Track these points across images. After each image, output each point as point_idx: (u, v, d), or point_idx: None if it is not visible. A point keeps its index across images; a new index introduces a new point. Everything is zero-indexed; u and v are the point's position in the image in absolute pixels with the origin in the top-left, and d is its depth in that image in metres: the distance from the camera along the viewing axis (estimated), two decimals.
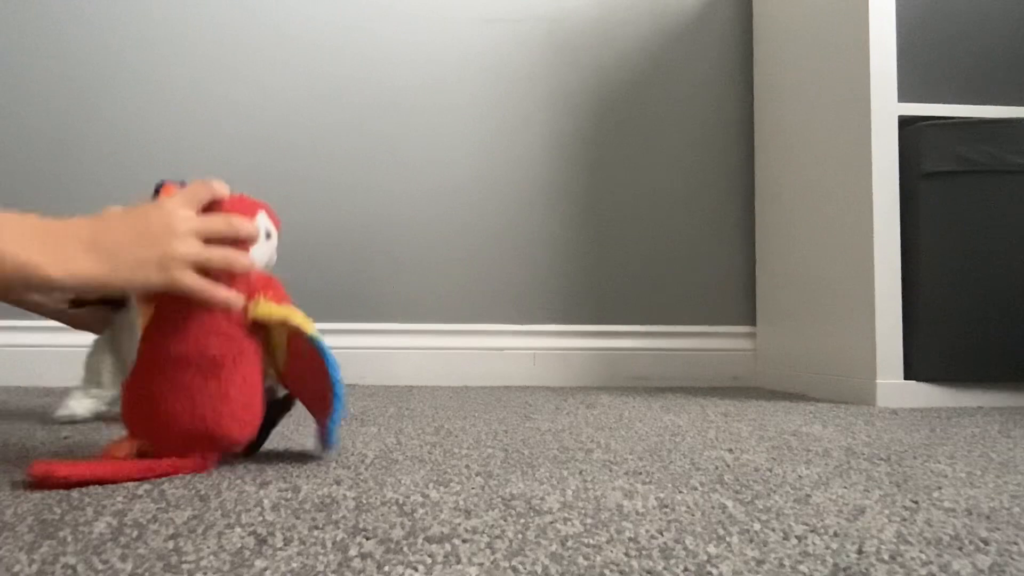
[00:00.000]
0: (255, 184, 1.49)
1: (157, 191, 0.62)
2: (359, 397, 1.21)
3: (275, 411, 0.66)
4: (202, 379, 0.57)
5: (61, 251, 0.52)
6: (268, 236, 0.63)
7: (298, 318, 0.60)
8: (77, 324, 0.69)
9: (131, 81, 1.50)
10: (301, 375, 0.65)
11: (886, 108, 1.16)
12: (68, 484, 0.53)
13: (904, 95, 1.17)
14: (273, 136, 1.51)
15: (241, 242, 0.60)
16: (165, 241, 0.55)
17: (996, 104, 1.18)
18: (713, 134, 1.59)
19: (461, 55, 1.56)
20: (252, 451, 0.66)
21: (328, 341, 0.61)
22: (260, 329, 0.62)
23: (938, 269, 1.14)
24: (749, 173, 1.59)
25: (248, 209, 0.62)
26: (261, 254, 0.62)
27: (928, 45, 1.18)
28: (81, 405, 0.87)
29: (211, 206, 0.60)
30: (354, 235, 1.52)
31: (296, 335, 0.61)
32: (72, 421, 0.86)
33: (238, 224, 0.59)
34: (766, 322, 1.52)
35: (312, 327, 0.61)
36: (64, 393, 0.92)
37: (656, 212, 1.57)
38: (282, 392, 0.66)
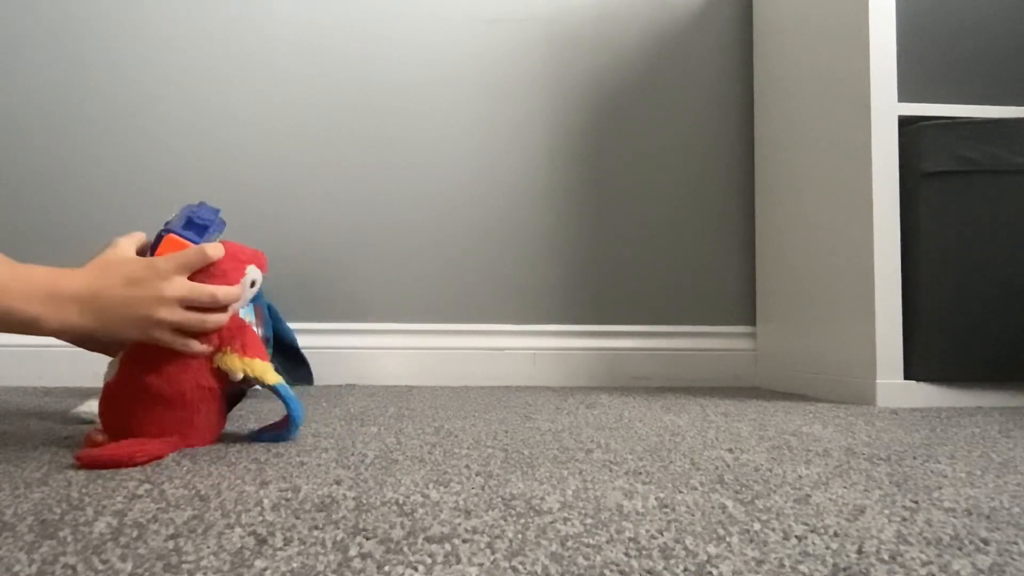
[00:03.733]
0: (254, 186, 1.50)
1: (159, 239, 0.71)
2: (359, 397, 1.21)
3: (235, 398, 0.77)
4: (171, 411, 0.68)
5: (61, 309, 0.63)
6: (252, 284, 0.73)
7: (257, 369, 0.70)
8: (93, 348, 0.74)
9: (127, 86, 1.50)
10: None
11: (886, 108, 1.16)
12: (112, 464, 0.61)
13: (904, 95, 1.17)
14: (274, 138, 1.51)
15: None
16: (151, 306, 0.66)
17: (996, 104, 1.18)
18: (713, 134, 1.59)
19: (461, 55, 1.56)
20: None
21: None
22: None
23: (938, 269, 1.14)
24: (749, 173, 1.59)
25: (238, 266, 0.71)
26: (242, 301, 0.72)
27: (928, 45, 1.18)
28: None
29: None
30: (354, 235, 1.52)
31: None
32: (92, 420, 0.90)
33: (221, 296, 0.69)
34: (766, 322, 1.52)
35: (273, 376, 0.71)
36: (81, 393, 0.99)
37: (656, 212, 1.57)
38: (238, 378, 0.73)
